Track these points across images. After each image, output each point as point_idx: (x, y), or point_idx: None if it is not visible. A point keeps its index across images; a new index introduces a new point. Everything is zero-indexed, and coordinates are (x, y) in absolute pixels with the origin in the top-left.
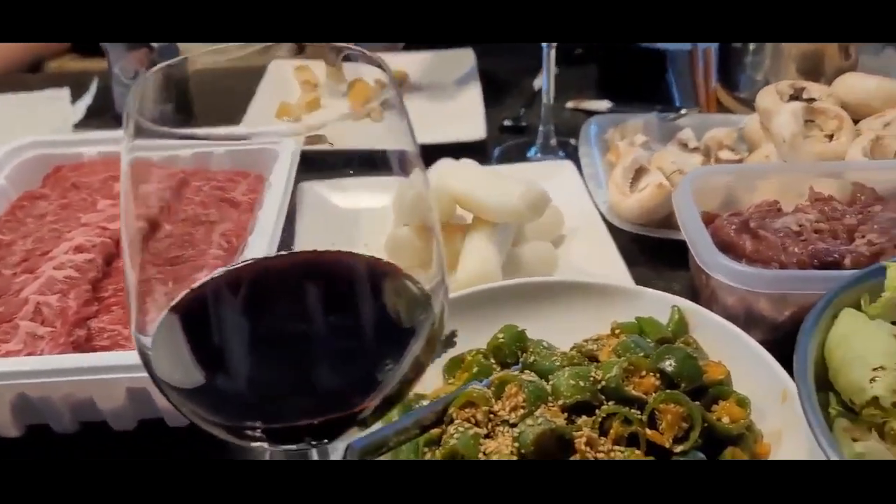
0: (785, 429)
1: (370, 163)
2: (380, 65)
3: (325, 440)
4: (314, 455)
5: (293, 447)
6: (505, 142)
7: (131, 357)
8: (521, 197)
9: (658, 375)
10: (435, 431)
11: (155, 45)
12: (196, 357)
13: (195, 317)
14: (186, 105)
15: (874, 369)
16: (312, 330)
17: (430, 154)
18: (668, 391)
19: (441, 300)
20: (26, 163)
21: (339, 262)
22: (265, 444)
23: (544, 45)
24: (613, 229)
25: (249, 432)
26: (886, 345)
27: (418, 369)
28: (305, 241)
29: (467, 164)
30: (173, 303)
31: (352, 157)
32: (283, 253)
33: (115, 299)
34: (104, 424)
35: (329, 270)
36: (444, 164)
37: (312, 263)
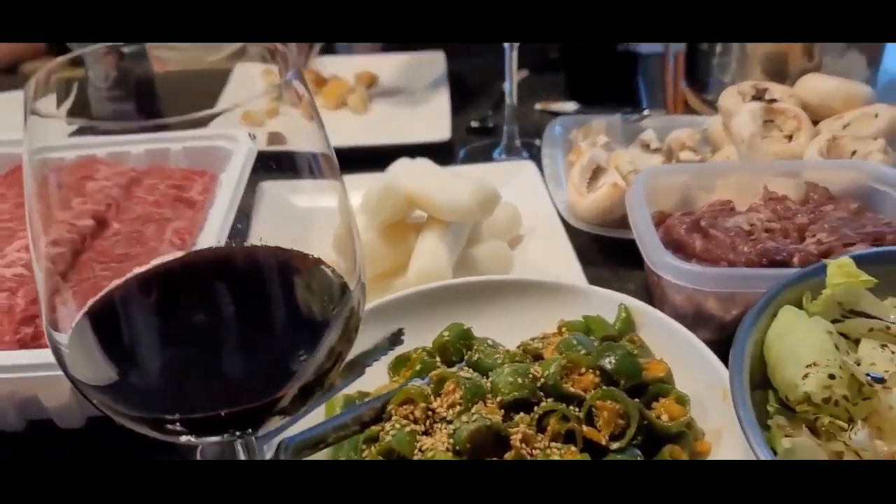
0: (725, 427)
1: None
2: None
3: (249, 430)
4: (240, 451)
5: (216, 438)
6: (471, 143)
7: None
8: (471, 195)
9: (598, 373)
10: (375, 428)
11: (126, 49)
12: (110, 354)
13: (109, 314)
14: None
15: (807, 366)
16: (225, 322)
17: (396, 155)
18: (605, 388)
19: (357, 293)
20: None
21: (254, 255)
22: (190, 438)
23: (506, 45)
24: (571, 229)
25: (170, 426)
26: (821, 342)
27: (335, 359)
28: (259, 239)
29: (422, 163)
30: (89, 302)
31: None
32: (200, 248)
33: (76, 289)
34: (51, 423)
35: (243, 264)
36: (400, 164)
37: (225, 257)
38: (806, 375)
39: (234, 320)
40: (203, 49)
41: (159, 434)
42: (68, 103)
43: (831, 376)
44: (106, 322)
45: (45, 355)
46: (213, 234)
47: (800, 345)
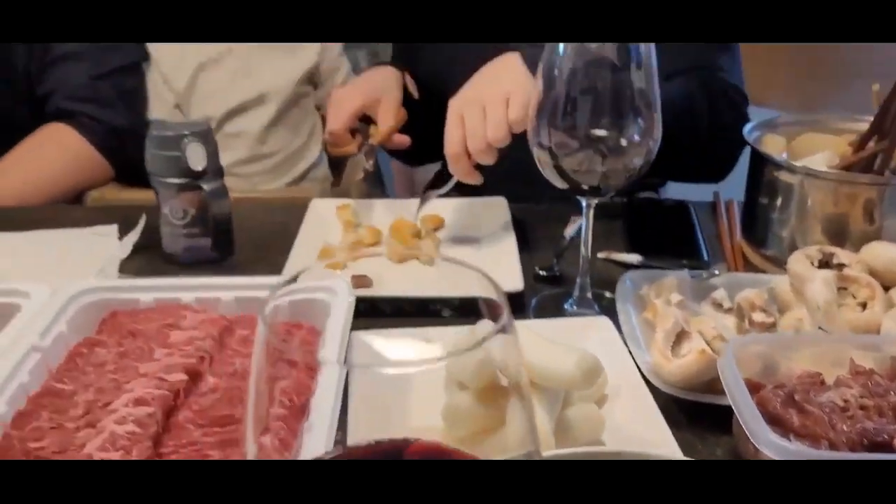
0: None
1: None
2: None
3: None
4: None
5: None
6: (539, 292)
7: None
8: (576, 365)
9: None
10: None
11: (206, 186)
12: None
13: None
14: (227, 239)
15: None
16: None
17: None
18: None
19: None
20: (85, 308)
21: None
22: None
23: (583, 200)
24: (654, 389)
25: None
26: None
27: None
28: (358, 400)
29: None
30: None
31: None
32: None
33: (175, 456)
34: None
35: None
36: (486, 326)
37: None
38: None
39: None
40: (262, 177)
41: None
42: (134, 236)
43: None
44: None
45: None
46: (329, 396)
47: None
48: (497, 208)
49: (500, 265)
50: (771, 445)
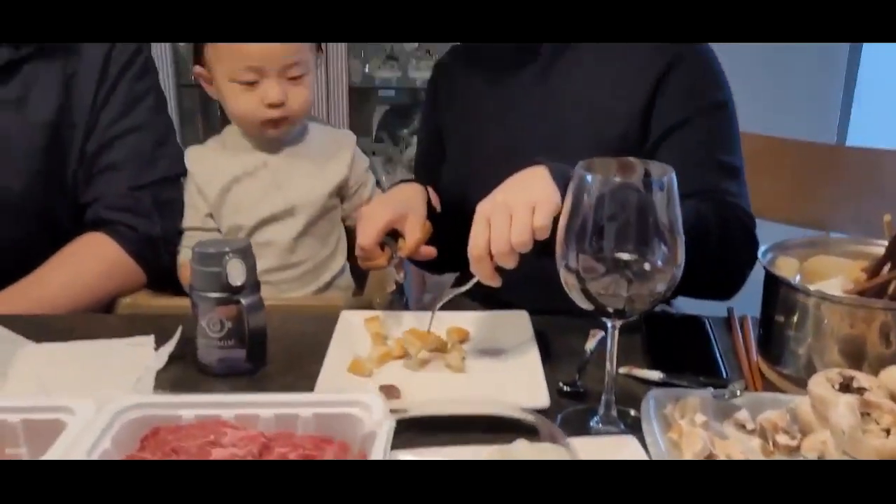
0: None
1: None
2: None
3: None
4: None
5: None
6: (564, 408)
7: None
8: None
9: None
10: None
11: (244, 300)
12: None
13: None
14: (261, 351)
15: None
16: None
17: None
18: None
19: None
20: (128, 424)
21: None
22: None
23: (608, 322)
24: None
25: None
26: None
27: None
28: None
29: (546, 447)
30: None
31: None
32: None
33: None
34: None
35: None
36: (522, 445)
37: None
38: None
39: None
40: (290, 284)
41: None
42: (170, 347)
43: None
44: None
45: None
46: None
47: None
48: (520, 321)
49: (525, 380)
50: None
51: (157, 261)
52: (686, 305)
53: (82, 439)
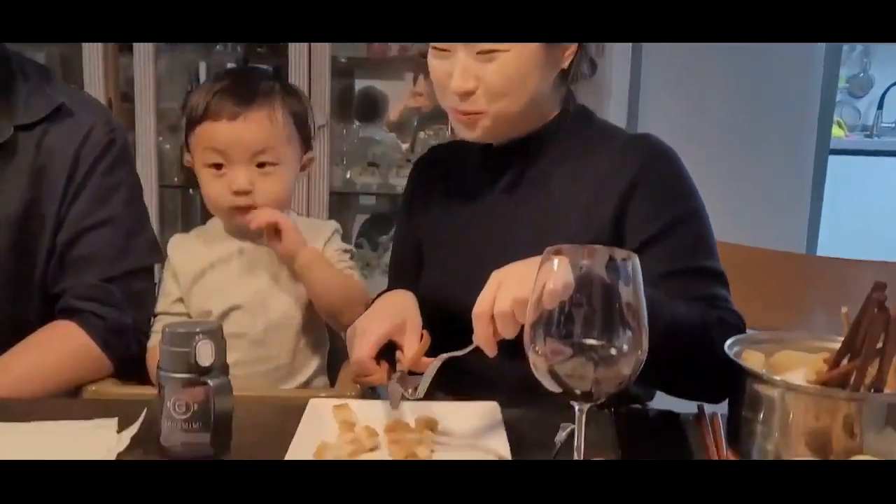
0: None
1: None
2: None
3: None
4: None
5: None
6: None
7: None
8: None
9: None
10: None
11: (211, 381)
12: None
13: None
14: (226, 436)
15: None
16: None
17: None
18: None
19: None
20: None
21: None
22: None
23: (576, 406)
24: None
25: None
26: None
27: None
28: None
29: None
30: None
31: None
32: None
33: None
34: None
35: None
36: None
37: None
38: None
39: None
40: (261, 380)
41: None
42: (133, 429)
43: None
44: None
45: None
46: None
47: None
48: (490, 412)
49: None
50: None
51: (125, 350)
52: (658, 403)
53: None
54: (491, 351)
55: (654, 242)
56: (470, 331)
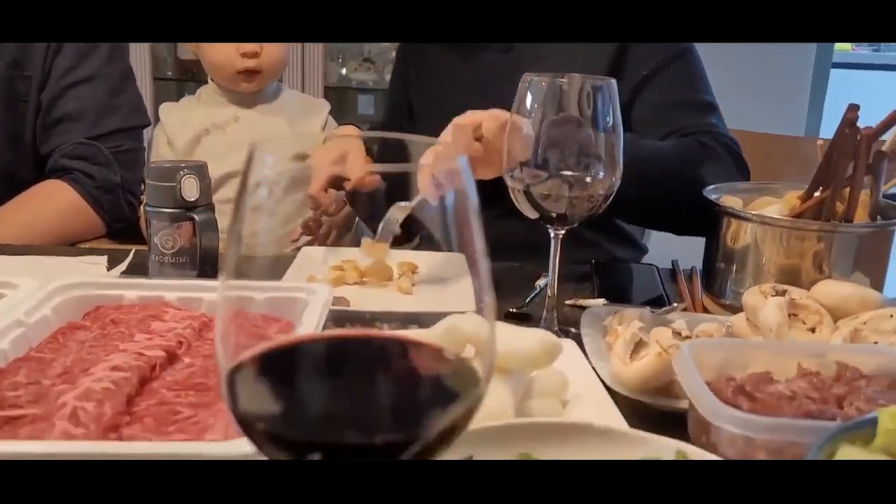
0: None
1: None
2: None
3: None
4: None
5: None
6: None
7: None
8: (538, 343)
9: None
10: None
11: (197, 217)
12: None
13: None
14: (212, 272)
15: None
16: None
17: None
18: None
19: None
20: (70, 300)
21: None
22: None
23: (552, 230)
24: (615, 395)
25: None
26: None
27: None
28: None
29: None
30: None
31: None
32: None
33: (147, 413)
34: None
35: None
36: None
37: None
38: None
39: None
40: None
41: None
42: (122, 267)
43: None
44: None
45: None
46: None
47: None
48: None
49: (472, 304)
50: (725, 417)
51: (115, 209)
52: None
53: (21, 305)
54: (431, 196)
55: (652, 77)
56: None
